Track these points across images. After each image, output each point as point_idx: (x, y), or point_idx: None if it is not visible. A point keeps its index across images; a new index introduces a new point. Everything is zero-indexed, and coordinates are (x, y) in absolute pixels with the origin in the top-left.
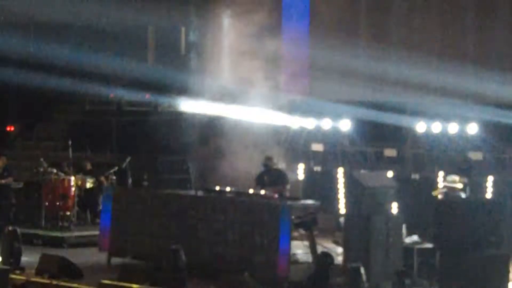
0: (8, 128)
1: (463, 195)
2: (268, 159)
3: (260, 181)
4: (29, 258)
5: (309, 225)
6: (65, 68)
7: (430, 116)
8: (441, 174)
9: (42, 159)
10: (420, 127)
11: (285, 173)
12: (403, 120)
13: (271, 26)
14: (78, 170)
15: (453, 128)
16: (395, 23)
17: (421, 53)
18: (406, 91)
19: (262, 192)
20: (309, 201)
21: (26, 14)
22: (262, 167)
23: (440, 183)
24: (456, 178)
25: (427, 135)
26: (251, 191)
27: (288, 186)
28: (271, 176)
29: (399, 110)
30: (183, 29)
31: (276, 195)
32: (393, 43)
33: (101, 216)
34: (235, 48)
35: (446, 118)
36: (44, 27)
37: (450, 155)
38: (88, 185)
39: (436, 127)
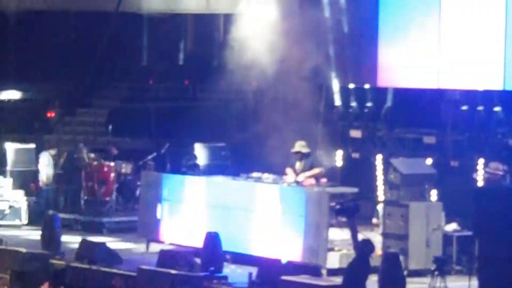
0: (48, 114)
1: (504, 183)
2: (300, 145)
3: (292, 168)
4: (69, 243)
5: (351, 212)
6: (105, 53)
7: (470, 103)
8: (481, 161)
9: (82, 145)
10: (460, 113)
11: (318, 159)
12: (442, 107)
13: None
14: (105, 156)
15: (493, 115)
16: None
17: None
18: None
19: (300, 178)
20: (348, 188)
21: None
22: (294, 154)
23: (480, 170)
24: (500, 165)
25: (467, 121)
26: (290, 177)
27: (323, 170)
28: (303, 163)
29: (439, 96)
30: (221, 15)
31: (314, 182)
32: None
33: (139, 202)
34: (274, 30)
35: (487, 105)
36: (83, 14)
37: (490, 142)
38: (127, 171)
39: (477, 114)
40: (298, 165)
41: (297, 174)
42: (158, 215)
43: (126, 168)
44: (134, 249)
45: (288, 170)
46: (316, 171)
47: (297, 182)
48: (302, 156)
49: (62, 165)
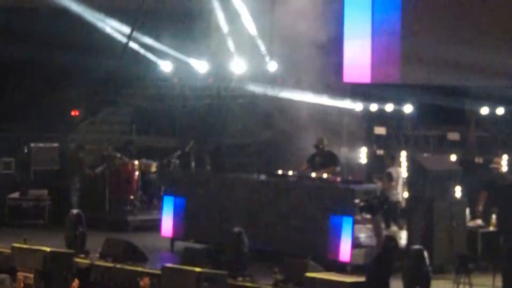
0: (72, 113)
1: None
2: (320, 140)
3: (311, 163)
4: (94, 242)
5: (375, 209)
6: (130, 52)
7: (493, 99)
8: (505, 157)
9: (107, 144)
10: (484, 110)
11: (336, 155)
12: (466, 103)
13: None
14: (126, 154)
15: None
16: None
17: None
18: (470, 74)
19: (325, 175)
20: (372, 185)
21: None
22: (314, 149)
23: (504, 167)
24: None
25: (491, 118)
26: (313, 174)
27: (339, 168)
28: (322, 158)
29: (463, 93)
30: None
31: (339, 179)
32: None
33: (163, 200)
34: (301, 33)
35: (510, 102)
36: (106, 13)
37: None
38: (152, 169)
39: (500, 110)
40: (316, 160)
41: (314, 170)
42: (182, 213)
43: (151, 166)
44: (159, 247)
45: (305, 166)
46: (331, 169)
47: (320, 179)
48: (321, 151)
49: (88, 163)
